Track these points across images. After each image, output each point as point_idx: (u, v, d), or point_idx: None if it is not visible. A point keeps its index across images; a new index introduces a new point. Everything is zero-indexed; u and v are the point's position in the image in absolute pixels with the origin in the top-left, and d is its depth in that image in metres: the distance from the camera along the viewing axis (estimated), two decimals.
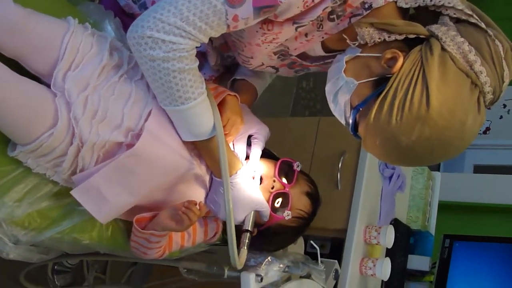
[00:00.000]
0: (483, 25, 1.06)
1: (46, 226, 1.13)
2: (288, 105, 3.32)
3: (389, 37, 1.08)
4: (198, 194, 1.26)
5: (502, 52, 1.04)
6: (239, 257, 1.23)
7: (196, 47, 1.09)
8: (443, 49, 1.03)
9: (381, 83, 1.07)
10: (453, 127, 1.02)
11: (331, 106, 1.20)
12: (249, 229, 1.28)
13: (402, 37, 1.07)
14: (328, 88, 1.19)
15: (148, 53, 1.05)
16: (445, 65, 1.02)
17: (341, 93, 1.15)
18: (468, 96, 1.03)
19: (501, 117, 4.15)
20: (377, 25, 1.08)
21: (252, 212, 1.29)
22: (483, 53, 1.03)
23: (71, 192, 1.11)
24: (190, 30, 1.04)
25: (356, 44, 1.12)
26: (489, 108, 1.09)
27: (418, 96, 1.01)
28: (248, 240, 1.28)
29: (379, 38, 1.09)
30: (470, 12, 1.07)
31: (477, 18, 1.06)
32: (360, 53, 1.12)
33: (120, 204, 1.15)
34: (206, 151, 1.22)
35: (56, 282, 2.09)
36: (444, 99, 1.00)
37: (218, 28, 1.07)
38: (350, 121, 1.13)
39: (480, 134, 4.04)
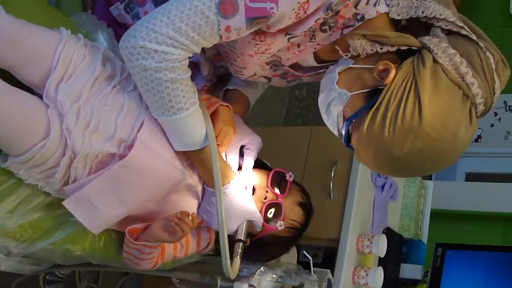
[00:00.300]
0: (474, 37, 1.06)
1: (38, 237, 1.13)
2: (280, 114, 3.32)
3: (381, 48, 1.08)
4: (190, 204, 1.26)
5: (493, 64, 1.05)
6: (232, 267, 1.23)
7: (189, 57, 1.09)
8: (435, 60, 1.04)
9: (373, 94, 1.07)
10: (445, 138, 1.03)
11: (324, 117, 1.20)
12: (242, 238, 1.28)
13: (395, 48, 1.08)
14: (321, 99, 1.19)
15: (140, 63, 1.05)
16: (437, 77, 1.02)
17: (333, 105, 1.15)
18: (460, 108, 1.03)
19: (492, 125, 4.17)
20: (370, 37, 1.08)
21: (245, 222, 1.29)
22: (475, 65, 1.04)
23: (63, 203, 1.10)
24: (183, 41, 1.05)
25: (349, 55, 1.13)
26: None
27: (411, 108, 1.01)
28: (241, 250, 1.28)
29: (371, 50, 1.09)
30: (461, 24, 1.07)
31: (468, 30, 1.07)
32: (353, 64, 1.13)
33: (112, 215, 1.15)
34: (198, 161, 1.22)
35: None
36: (436, 111, 1.01)
37: (211, 38, 1.08)
38: (343, 132, 1.14)
39: (472, 142, 4.01)
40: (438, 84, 1.02)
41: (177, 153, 1.18)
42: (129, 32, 1.07)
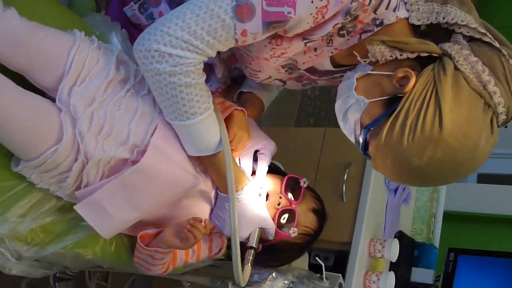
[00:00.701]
0: (497, 44, 1.04)
1: (49, 242, 1.12)
2: (293, 113, 3.30)
3: (401, 55, 1.05)
4: (203, 210, 1.24)
5: None
6: (243, 274, 1.22)
7: (203, 61, 1.08)
8: (456, 68, 1.01)
9: (392, 102, 1.05)
10: (465, 148, 1.00)
11: (341, 124, 1.18)
12: (254, 246, 1.26)
13: (414, 55, 1.05)
14: (338, 105, 1.17)
15: (154, 66, 1.04)
16: (458, 85, 1.00)
17: (351, 111, 1.13)
18: (481, 117, 1.01)
19: (506, 126, 4.12)
20: (389, 43, 1.05)
21: (257, 229, 1.27)
22: (497, 73, 1.01)
23: (75, 207, 1.09)
24: (198, 44, 1.03)
25: (367, 61, 1.10)
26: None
27: (431, 117, 0.99)
28: (252, 257, 1.26)
29: (391, 56, 1.06)
30: (483, 31, 1.05)
31: (490, 36, 1.04)
32: (371, 71, 1.10)
33: (124, 220, 1.14)
34: (212, 166, 1.21)
35: None
36: (457, 121, 0.98)
37: (226, 42, 1.06)
38: (361, 140, 1.12)
39: None
40: (459, 92, 0.99)
41: (191, 158, 1.17)
42: (143, 35, 1.05)
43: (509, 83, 1.02)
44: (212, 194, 1.25)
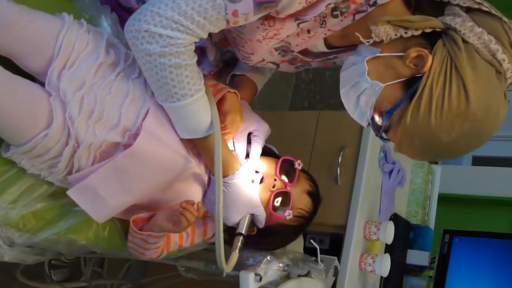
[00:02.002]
0: (497, 13, 1.04)
1: (41, 228, 1.11)
2: (287, 96, 3.28)
3: (405, 33, 1.05)
4: (196, 193, 1.23)
5: None
6: (230, 260, 1.20)
7: (195, 42, 1.06)
8: (464, 41, 1.02)
9: (410, 83, 1.05)
10: (489, 119, 1.03)
11: (350, 109, 1.17)
12: (243, 232, 1.25)
13: (419, 32, 1.05)
14: (345, 91, 1.16)
15: (144, 47, 1.03)
16: (473, 58, 1.01)
17: (364, 96, 1.11)
18: (498, 86, 1.03)
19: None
20: (394, 22, 1.05)
21: (248, 215, 1.26)
22: (502, 41, 1.03)
23: (68, 192, 1.08)
24: (188, 25, 1.02)
25: (371, 42, 1.09)
26: None
27: (456, 93, 1.00)
28: (241, 243, 1.24)
29: (395, 35, 1.06)
30: (480, 1, 1.05)
31: (488, 5, 1.05)
32: (380, 53, 1.09)
33: (117, 204, 1.13)
34: (203, 149, 1.20)
35: (53, 277, 2.07)
36: (480, 93, 1.00)
37: (217, 23, 1.05)
38: (381, 124, 1.10)
39: None
40: (475, 65, 1.01)
41: (184, 141, 1.16)
42: (134, 16, 1.04)
43: None
44: (206, 178, 1.24)
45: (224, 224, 1.17)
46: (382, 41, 1.07)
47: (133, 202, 1.15)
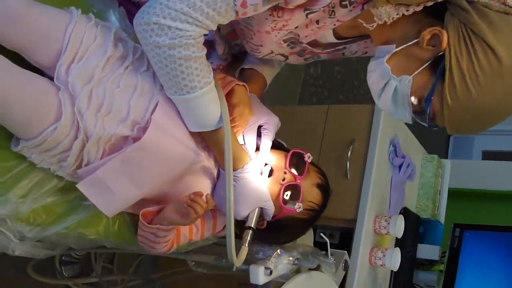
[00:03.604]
0: None
1: (51, 222, 1.11)
2: (295, 92, 3.27)
3: (407, 10, 1.04)
4: (206, 187, 1.23)
5: None
6: (240, 254, 1.20)
7: (204, 34, 1.06)
8: (468, 2, 1.01)
9: (436, 64, 1.04)
10: None
11: (391, 111, 1.16)
12: (252, 226, 1.25)
13: (421, 7, 1.04)
14: (380, 101, 1.15)
15: (154, 40, 1.03)
16: (485, 15, 1.00)
17: (397, 94, 1.11)
18: None
19: None
20: (393, 1, 1.04)
21: (257, 209, 1.25)
22: None
23: (77, 186, 1.08)
24: (197, 16, 1.01)
25: (374, 25, 1.08)
26: None
27: (483, 55, 0.99)
28: (250, 237, 1.24)
29: (397, 14, 1.05)
30: None
31: None
32: (396, 48, 1.08)
33: (127, 197, 1.13)
34: (213, 142, 1.19)
35: (64, 273, 2.08)
36: (506, 45, 0.99)
37: (226, 14, 1.04)
38: (425, 113, 1.09)
39: None
40: (490, 20, 1.00)
41: (193, 135, 1.16)
42: (143, 9, 1.04)
43: None
44: (215, 172, 1.24)
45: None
46: (385, 23, 1.06)
47: (143, 196, 1.15)
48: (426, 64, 1.05)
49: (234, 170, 1.19)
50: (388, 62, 1.09)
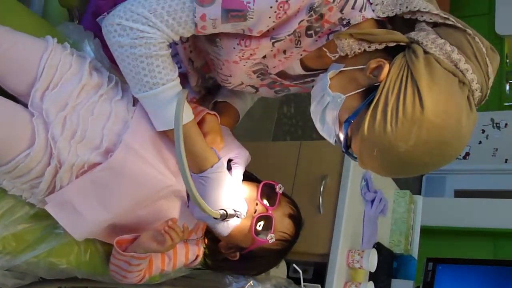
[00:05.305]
0: (461, 25, 1.06)
1: (22, 250, 1.10)
2: (269, 131, 3.31)
3: (369, 47, 1.07)
4: (178, 211, 1.23)
5: (484, 49, 1.04)
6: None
7: (169, 43, 1.10)
8: (425, 52, 1.03)
9: (369, 93, 1.05)
10: (449, 125, 1.00)
11: (318, 126, 1.18)
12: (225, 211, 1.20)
13: (383, 46, 1.07)
14: (313, 108, 1.17)
15: (117, 40, 1.08)
16: (431, 66, 1.01)
17: (328, 110, 1.12)
18: (459, 93, 1.01)
19: (480, 142, 4.21)
20: (357, 36, 1.07)
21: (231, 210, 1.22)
22: (466, 52, 1.03)
23: (46, 207, 1.09)
24: (156, 22, 1.06)
25: (336, 56, 1.12)
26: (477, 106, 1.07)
27: (411, 99, 0.99)
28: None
29: (359, 49, 1.08)
30: (446, 16, 1.07)
31: (453, 19, 1.07)
32: (344, 67, 1.11)
33: (95, 220, 1.12)
34: None
35: None
36: (436, 98, 0.99)
37: (186, 25, 1.08)
38: (342, 136, 1.11)
39: (460, 159, 4.08)
40: (433, 72, 1.00)
41: (165, 159, 1.17)
42: (111, 12, 1.10)
43: (479, 60, 1.03)
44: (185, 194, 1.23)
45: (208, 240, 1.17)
46: (347, 55, 1.09)
47: (113, 220, 1.15)
48: (361, 90, 1.07)
49: (202, 170, 1.19)
50: (332, 79, 1.12)
